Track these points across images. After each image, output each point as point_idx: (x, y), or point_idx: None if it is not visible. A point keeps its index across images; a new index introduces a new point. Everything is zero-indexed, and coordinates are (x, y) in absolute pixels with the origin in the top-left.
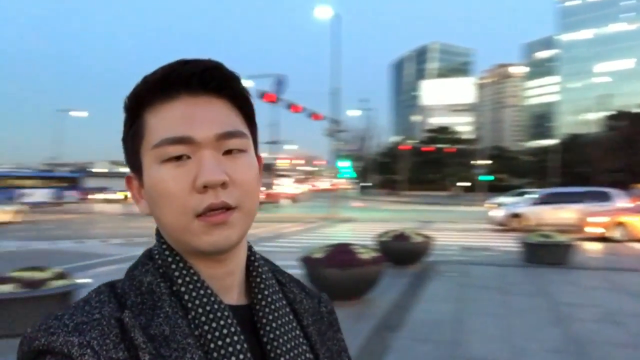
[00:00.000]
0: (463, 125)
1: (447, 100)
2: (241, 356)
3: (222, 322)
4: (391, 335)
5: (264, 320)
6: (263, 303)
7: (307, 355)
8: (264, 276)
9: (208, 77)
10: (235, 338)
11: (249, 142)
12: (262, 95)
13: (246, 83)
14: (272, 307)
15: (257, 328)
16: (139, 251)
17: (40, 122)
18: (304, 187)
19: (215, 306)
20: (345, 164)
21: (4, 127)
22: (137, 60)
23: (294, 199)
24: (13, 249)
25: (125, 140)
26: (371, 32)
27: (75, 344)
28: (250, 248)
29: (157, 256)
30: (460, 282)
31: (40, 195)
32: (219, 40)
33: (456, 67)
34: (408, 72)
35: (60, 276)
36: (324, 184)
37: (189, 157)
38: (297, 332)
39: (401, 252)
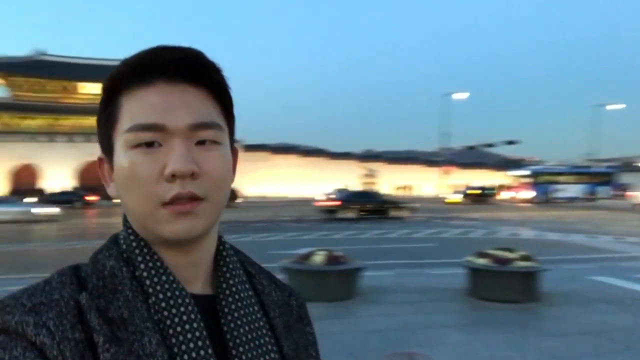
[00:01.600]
0: None
1: None
2: (199, 342)
3: (182, 309)
4: None
5: (226, 310)
6: (227, 292)
7: (270, 346)
8: (231, 266)
9: (186, 65)
10: (195, 325)
11: (224, 134)
12: None
13: None
14: (236, 297)
15: (219, 317)
16: None
17: (579, 116)
18: None
19: (177, 292)
20: None
21: (552, 124)
22: None
23: None
24: (530, 237)
25: (99, 121)
26: None
27: (30, 324)
28: (220, 238)
29: (122, 241)
30: None
31: (573, 190)
32: None
33: None
34: None
35: (526, 258)
36: None
37: (160, 145)
38: (262, 323)
39: None
